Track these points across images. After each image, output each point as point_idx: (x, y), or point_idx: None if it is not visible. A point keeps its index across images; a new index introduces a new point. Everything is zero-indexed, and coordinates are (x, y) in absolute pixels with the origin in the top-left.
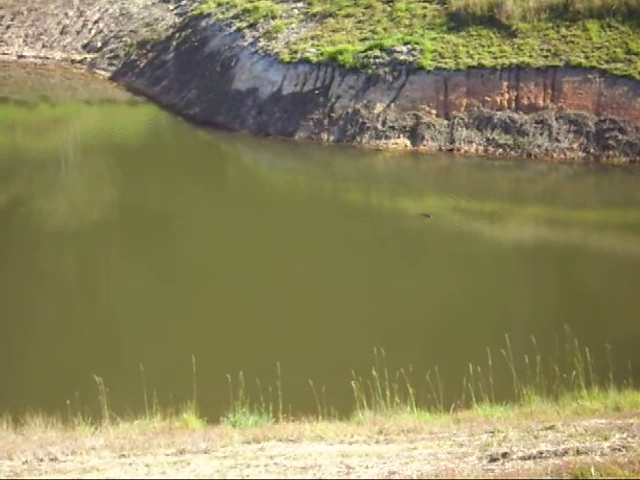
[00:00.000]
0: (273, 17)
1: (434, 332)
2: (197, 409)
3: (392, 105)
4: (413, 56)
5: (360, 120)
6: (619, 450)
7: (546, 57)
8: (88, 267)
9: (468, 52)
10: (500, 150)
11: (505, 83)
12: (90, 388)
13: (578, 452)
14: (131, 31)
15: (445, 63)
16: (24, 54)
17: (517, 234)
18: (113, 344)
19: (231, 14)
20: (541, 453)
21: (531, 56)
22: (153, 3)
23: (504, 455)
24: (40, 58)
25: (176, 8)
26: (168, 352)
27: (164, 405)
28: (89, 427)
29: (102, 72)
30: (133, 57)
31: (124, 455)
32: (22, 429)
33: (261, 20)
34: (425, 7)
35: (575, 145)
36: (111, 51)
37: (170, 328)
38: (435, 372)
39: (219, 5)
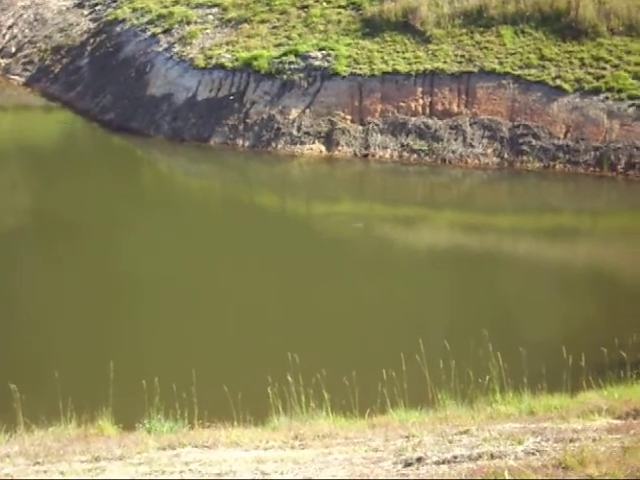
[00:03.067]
0: (188, 23)
1: (348, 337)
2: (112, 415)
3: (307, 111)
4: (328, 62)
5: (275, 126)
6: (533, 454)
7: (460, 63)
8: (1, 274)
9: (383, 58)
10: (415, 156)
11: (419, 89)
12: (4, 395)
13: (492, 456)
14: (45, 36)
15: (360, 69)
16: None
17: (432, 239)
18: (28, 351)
19: (146, 20)
20: (455, 457)
21: (445, 62)
22: (68, 8)
23: (419, 460)
24: None
25: (90, 13)
26: (83, 359)
27: (79, 412)
28: (3, 434)
29: (16, 77)
30: (48, 62)
31: (39, 462)
32: None
33: (176, 26)
34: (340, 13)
35: (489, 150)
36: (25, 56)
37: (85, 335)
38: (351, 377)
39: (134, 11)
